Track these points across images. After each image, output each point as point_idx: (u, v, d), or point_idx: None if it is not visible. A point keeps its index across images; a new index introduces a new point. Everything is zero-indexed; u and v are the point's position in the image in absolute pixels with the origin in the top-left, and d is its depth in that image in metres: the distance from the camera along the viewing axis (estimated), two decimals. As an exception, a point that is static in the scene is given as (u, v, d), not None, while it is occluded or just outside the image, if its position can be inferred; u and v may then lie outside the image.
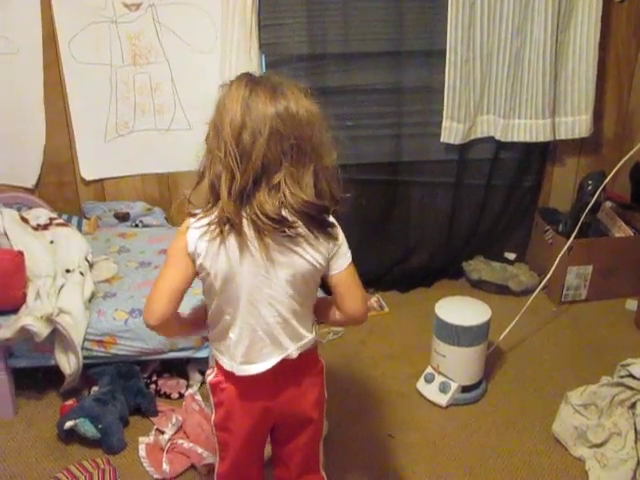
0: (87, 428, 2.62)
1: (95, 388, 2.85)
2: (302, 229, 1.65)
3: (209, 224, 1.63)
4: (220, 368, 1.84)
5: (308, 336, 1.82)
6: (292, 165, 1.60)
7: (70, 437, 2.68)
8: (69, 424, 2.61)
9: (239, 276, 1.68)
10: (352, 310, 1.83)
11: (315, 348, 1.90)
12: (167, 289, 1.71)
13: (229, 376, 1.82)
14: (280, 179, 1.60)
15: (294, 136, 1.60)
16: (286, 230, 1.62)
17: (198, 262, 1.68)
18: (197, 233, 1.66)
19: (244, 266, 1.66)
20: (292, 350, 1.78)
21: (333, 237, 1.72)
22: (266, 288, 1.70)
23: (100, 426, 2.62)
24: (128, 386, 2.80)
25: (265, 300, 1.71)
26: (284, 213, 1.61)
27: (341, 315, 1.84)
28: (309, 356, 1.86)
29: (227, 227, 1.61)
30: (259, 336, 1.75)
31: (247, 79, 1.65)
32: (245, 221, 1.62)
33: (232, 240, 1.63)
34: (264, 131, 1.57)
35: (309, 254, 1.69)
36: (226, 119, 1.60)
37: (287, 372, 1.81)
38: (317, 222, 1.67)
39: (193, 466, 2.56)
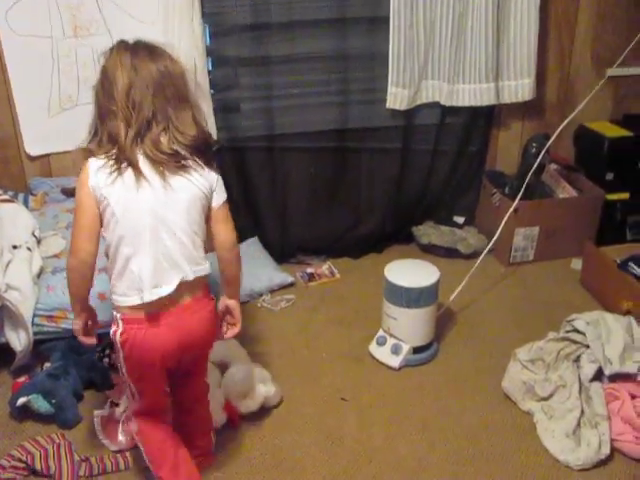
0: (40, 404, 2.60)
1: (47, 364, 2.83)
2: (191, 161, 1.99)
3: (107, 159, 1.92)
4: (124, 319, 2.02)
5: (203, 263, 2.09)
6: (175, 109, 1.95)
7: (23, 414, 2.65)
8: (22, 400, 2.59)
9: (137, 203, 1.93)
10: (223, 236, 2.15)
11: (207, 285, 2.17)
12: (82, 228, 1.97)
13: (133, 322, 2.01)
14: (168, 121, 1.94)
15: (174, 86, 1.95)
16: (181, 161, 1.96)
17: (98, 193, 1.92)
18: (95, 166, 1.93)
19: (142, 194, 1.92)
20: (189, 272, 2.02)
21: (214, 168, 2.07)
22: (167, 211, 1.96)
23: (54, 401, 2.61)
24: (80, 360, 2.78)
25: (165, 224, 1.96)
26: (176, 147, 1.95)
27: (216, 243, 2.15)
28: (203, 291, 2.14)
29: (124, 164, 1.91)
30: (160, 261, 1.97)
31: (126, 45, 1.97)
32: (140, 157, 1.92)
33: (129, 173, 1.91)
34: (150, 86, 1.91)
35: (199, 182, 2.01)
36: (116, 80, 1.91)
37: (185, 308, 2.06)
38: (204, 154, 2.03)
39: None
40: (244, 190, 3.68)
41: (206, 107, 3.27)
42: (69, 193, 3.53)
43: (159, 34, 3.22)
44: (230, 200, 3.24)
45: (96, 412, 2.62)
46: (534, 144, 3.49)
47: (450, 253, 3.76)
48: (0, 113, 3.37)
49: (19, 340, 2.73)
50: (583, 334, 2.65)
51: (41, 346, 2.84)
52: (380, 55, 3.46)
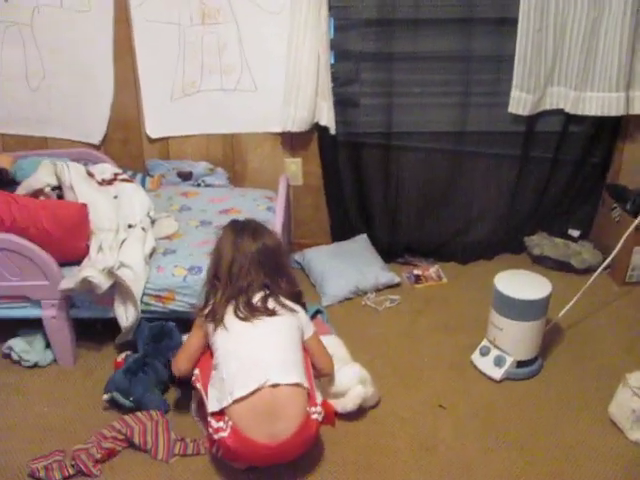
0: (123, 401, 2.65)
1: (126, 353, 2.88)
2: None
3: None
4: None
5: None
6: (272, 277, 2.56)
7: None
8: (105, 397, 2.67)
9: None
10: (320, 365, 2.57)
11: None
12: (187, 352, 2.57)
13: None
14: (263, 288, 2.52)
15: (271, 259, 2.56)
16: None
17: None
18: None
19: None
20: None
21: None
22: None
23: (131, 399, 2.65)
24: (160, 347, 2.80)
25: None
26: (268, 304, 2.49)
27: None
28: None
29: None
30: None
31: (234, 225, 2.64)
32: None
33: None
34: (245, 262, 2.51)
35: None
36: (222, 258, 2.55)
37: None
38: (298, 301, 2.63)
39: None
40: (357, 186, 3.69)
41: (327, 101, 3.37)
42: (184, 176, 3.62)
43: (285, 24, 3.26)
44: (342, 195, 3.41)
45: (194, 392, 2.66)
46: (662, 159, 3.33)
47: (562, 267, 3.63)
48: (126, 96, 3.49)
49: (127, 317, 2.81)
50: (701, 365, 2.51)
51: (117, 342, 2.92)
52: (506, 58, 3.38)
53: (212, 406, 2.32)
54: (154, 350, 2.78)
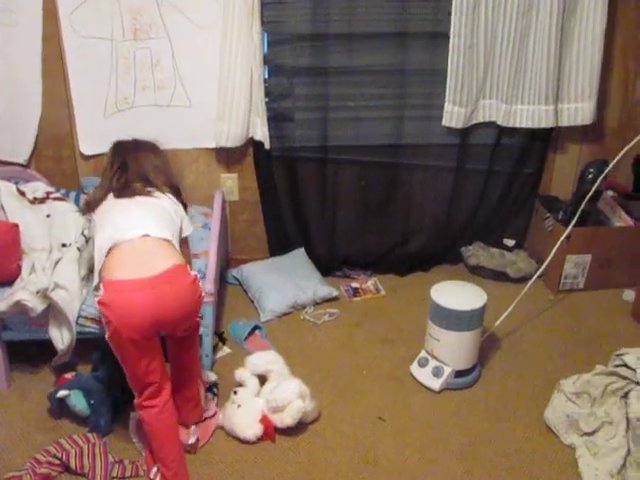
0: (79, 401, 2.62)
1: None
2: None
3: None
4: None
5: None
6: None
7: (60, 410, 2.69)
8: (62, 393, 2.62)
9: None
10: None
11: None
12: None
13: None
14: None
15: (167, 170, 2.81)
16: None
17: None
18: None
19: None
20: None
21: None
22: None
23: (92, 402, 2.62)
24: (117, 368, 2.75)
25: None
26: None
27: None
28: None
29: None
30: None
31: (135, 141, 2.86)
32: None
33: None
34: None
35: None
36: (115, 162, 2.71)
37: None
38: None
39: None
40: (294, 200, 3.68)
41: (260, 116, 3.37)
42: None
43: (218, 39, 3.24)
44: (279, 210, 3.43)
45: (132, 414, 2.63)
46: (591, 170, 3.39)
47: (498, 276, 3.69)
48: (58, 112, 3.41)
49: (62, 339, 2.75)
50: (633, 370, 2.56)
51: (92, 356, 2.87)
52: (438, 72, 3.43)
53: (94, 283, 2.40)
54: (112, 369, 2.72)
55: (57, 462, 2.45)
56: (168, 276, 2.26)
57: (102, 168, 2.80)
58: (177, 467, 2.37)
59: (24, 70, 3.30)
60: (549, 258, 3.24)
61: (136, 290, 2.21)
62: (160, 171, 2.74)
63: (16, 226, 2.83)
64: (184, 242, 2.66)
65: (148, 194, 2.59)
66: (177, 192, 2.74)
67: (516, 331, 3.28)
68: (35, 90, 3.34)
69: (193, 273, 2.37)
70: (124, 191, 2.57)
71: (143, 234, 2.35)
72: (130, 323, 2.19)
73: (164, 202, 2.61)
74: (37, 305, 2.65)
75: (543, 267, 3.29)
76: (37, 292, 2.66)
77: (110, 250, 2.34)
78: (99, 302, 2.21)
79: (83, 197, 3.14)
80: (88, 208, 2.64)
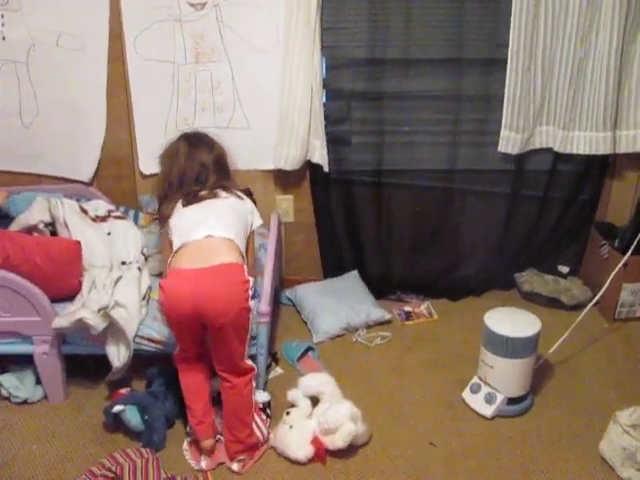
0: (133, 416, 2.67)
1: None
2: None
3: None
4: None
5: None
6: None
7: (114, 425, 2.74)
8: (118, 408, 2.67)
9: None
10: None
11: None
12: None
13: None
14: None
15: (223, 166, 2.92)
16: None
17: None
18: None
19: None
20: None
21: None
22: None
23: (147, 417, 2.67)
24: (173, 383, 2.80)
25: None
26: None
27: None
28: None
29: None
30: None
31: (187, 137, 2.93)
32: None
33: None
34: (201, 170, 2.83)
35: None
36: (175, 166, 2.83)
37: None
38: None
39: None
40: (349, 222, 3.71)
41: (319, 139, 3.42)
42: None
43: (277, 63, 3.31)
44: (334, 232, 3.45)
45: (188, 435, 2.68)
46: (650, 197, 3.36)
47: (552, 303, 3.66)
48: (120, 133, 3.51)
49: (119, 356, 2.80)
50: (691, 403, 2.52)
51: (148, 371, 2.93)
52: (494, 97, 3.42)
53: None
54: (175, 390, 2.78)
55: (111, 475, 2.48)
56: (216, 270, 2.47)
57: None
58: (202, 416, 2.61)
59: (90, 92, 3.41)
60: (605, 286, 3.20)
61: (182, 278, 2.47)
62: (218, 166, 2.88)
63: (78, 243, 2.91)
64: (251, 237, 2.86)
65: (214, 196, 2.77)
66: (247, 192, 3.00)
67: (570, 359, 3.24)
68: (100, 111, 3.45)
69: (247, 277, 2.52)
70: (190, 197, 2.75)
71: (207, 235, 2.57)
72: (172, 306, 2.46)
73: (230, 200, 2.80)
74: (98, 323, 2.70)
75: (599, 295, 3.24)
76: (99, 310, 2.72)
77: (179, 249, 2.57)
78: (159, 285, 2.48)
79: (150, 210, 3.48)
80: (162, 220, 2.81)
